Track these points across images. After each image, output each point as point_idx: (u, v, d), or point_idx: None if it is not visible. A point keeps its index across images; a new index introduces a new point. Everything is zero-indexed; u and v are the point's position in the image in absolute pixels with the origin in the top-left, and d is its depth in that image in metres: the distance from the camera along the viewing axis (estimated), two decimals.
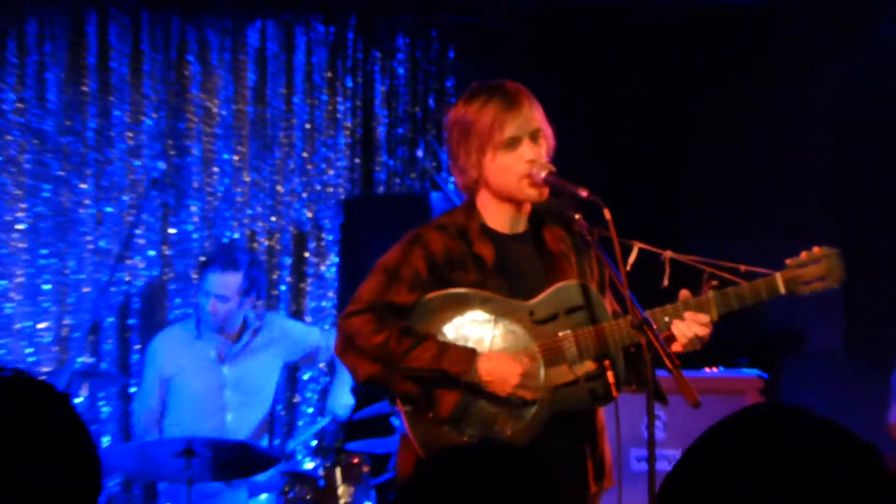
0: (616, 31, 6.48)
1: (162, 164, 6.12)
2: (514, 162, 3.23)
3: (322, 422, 5.45)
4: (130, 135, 6.09)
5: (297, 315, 6.30)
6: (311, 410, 6.29)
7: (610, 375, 3.23)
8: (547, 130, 3.30)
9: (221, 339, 5.30)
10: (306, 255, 6.40)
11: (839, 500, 1.42)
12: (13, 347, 5.87)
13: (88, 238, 6.00)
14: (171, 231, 6.14)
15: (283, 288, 6.31)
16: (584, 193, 3.13)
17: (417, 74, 6.63)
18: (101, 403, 5.93)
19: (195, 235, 6.16)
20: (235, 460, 4.67)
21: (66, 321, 5.97)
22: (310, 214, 6.40)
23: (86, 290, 5.98)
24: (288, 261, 6.35)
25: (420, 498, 1.54)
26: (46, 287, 5.94)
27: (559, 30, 6.54)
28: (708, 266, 3.24)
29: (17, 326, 5.89)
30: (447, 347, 3.16)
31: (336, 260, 6.41)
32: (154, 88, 6.13)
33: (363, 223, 6.29)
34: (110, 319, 6.02)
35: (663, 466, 4.72)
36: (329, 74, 6.45)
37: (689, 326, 3.19)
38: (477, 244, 3.28)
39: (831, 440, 1.48)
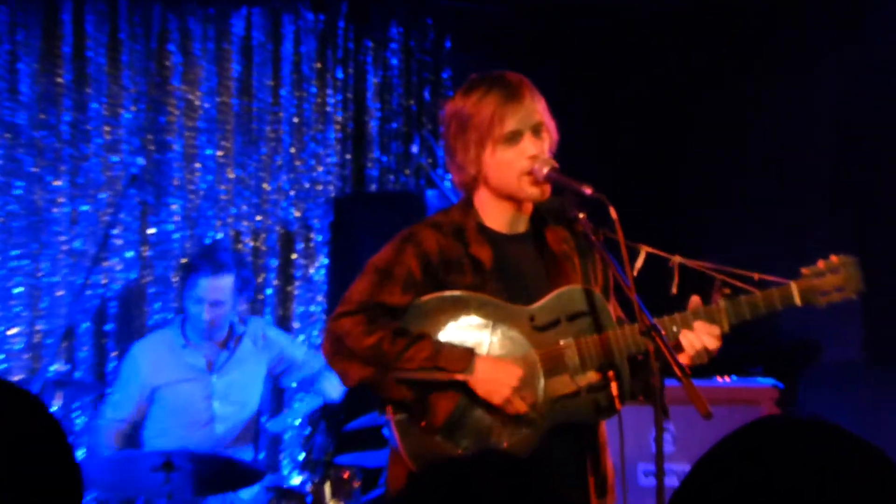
0: (618, 23, 6.52)
1: (141, 160, 6.11)
2: (514, 157, 3.21)
3: (311, 402, 5.45)
4: (108, 129, 6.07)
5: (285, 320, 6.29)
6: (298, 422, 6.28)
7: (614, 387, 3.21)
8: (550, 125, 3.29)
9: (210, 346, 5.29)
10: (294, 256, 6.39)
11: None
12: None
13: (63, 238, 5.98)
14: (151, 231, 6.13)
15: (269, 291, 6.30)
16: (588, 191, 3.12)
17: (412, 65, 6.63)
18: (75, 414, 5.91)
19: (176, 236, 6.15)
20: (218, 474, 4.65)
21: (39, 327, 5.95)
22: (298, 213, 6.40)
23: (59, 293, 5.96)
24: (274, 263, 6.35)
25: None
26: (18, 290, 5.92)
27: (561, 16, 6.56)
28: (719, 273, 3.23)
29: None
30: (444, 347, 3.15)
31: (325, 262, 6.40)
32: (133, 80, 6.12)
33: (354, 223, 6.28)
34: (85, 325, 6.01)
35: (672, 482, 4.72)
36: (318, 65, 6.45)
37: (698, 337, 3.18)
38: (474, 245, 3.27)
39: (843, 450, 1.48)
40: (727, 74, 6.49)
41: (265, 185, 6.34)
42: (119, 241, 6.06)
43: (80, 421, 5.93)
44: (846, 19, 6.01)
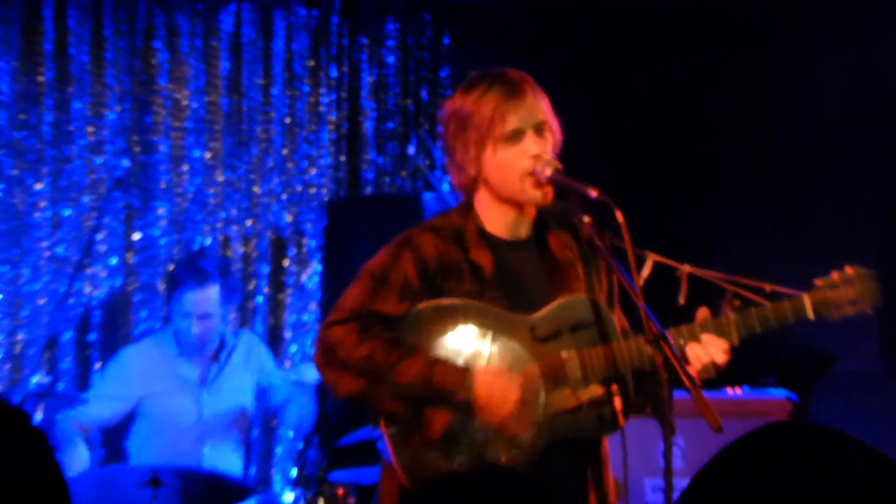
0: (620, 22, 6.53)
1: (126, 162, 6.10)
2: (516, 157, 3.21)
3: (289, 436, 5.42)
4: (91, 130, 6.07)
5: (276, 330, 6.29)
6: (290, 436, 6.27)
7: (617, 401, 3.21)
8: (553, 124, 3.28)
9: (202, 359, 5.28)
10: (286, 262, 6.39)
11: None
12: None
13: (44, 244, 5.97)
14: (136, 236, 6.12)
15: (259, 300, 6.30)
16: (593, 194, 3.11)
17: (409, 63, 6.63)
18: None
19: (162, 241, 6.15)
20: (206, 491, 4.65)
21: (20, 336, 5.94)
22: (290, 218, 6.39)
23: (41, 301, 5.95)
24: (265, 269, 6.34)
25: None
26: None
27: (562, 13, 6.56)
28: (729, 284, 3.23)
29: None
30: (438, 362, 3.14)
31: (319, 268, 6.40)
32: (117, 78, 6.11)
33: (349, 227, 6.27)
34: (68, 334, 5.99)
35: None
36: (311, 63, 6.45)
37: (706, 351, 3.18)
38: (474, 250, 3.26)
39: (849, 456, 1.48)
40: (734, 73, 6.51)
41: (255, 189, 6.34)
42: (103, 247, 6.06)
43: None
44: (846, 19, 6.03)
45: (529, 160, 3.20)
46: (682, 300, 3.24)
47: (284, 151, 6.39)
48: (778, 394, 5.35)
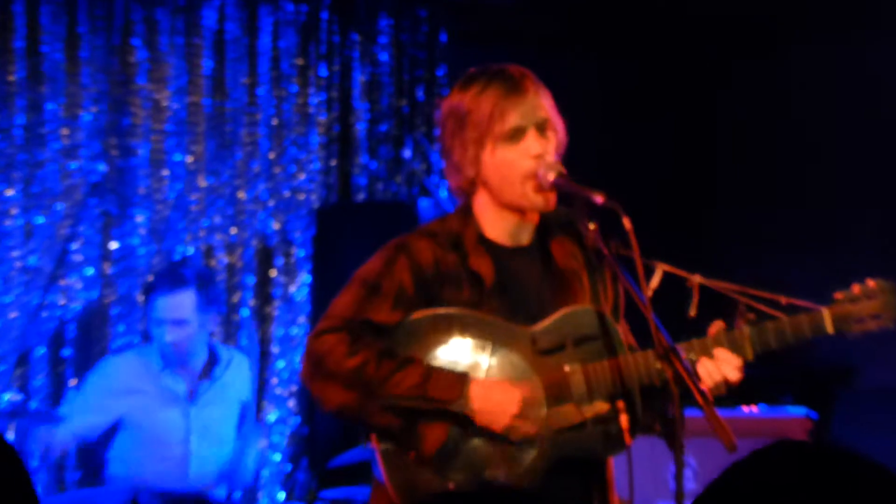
0: (634, 19, 6.53)
1: (102, 167, 6.10)
2: (517, 157, 3.20)
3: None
4: (65, 132, 6.06)
5: (263, 344, 6.28)
6: (278, 457, 6.26)
7: (624, 419, 3.20)
8: (557, 123, 3.27)
9: (189, 373, 5.26)
10: (273, 273, 6.38)
11: None
12: None
13: (16, 254, 5.97)
14: (114, 246, 6.11)
15: (245, 313, 6.29)
16: (600, 200, 3.10)
17: (403, 61, 6.64)
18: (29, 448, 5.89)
19: (141, 251, 6.14)
20: None
21: None
22: (277, 226, 6.39)
23: (13, 315, 5.94)
24: (251, 280, 6.34)
25: None
26: None
27: (567, 6, 6.56)
28: (743, 296, 3.22)
29: None
30: (433, 372, 3.13)
31: (308, 279, 6.40)
32: (93, 78, 6.11)
33: (340, 236, 6.27)
34: (41, 350, 5.99)
35: None
36: (299, 61, 6.45)
37: (718, 367, 3.17)
38: (473, 257, 3.25)
39: (865, 481, 1.47)
40: (747, 68, 6.53)
41: (240, 195, 6.34)
42: (78, 257, 6.05)
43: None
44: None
45: (531, 161, 3.19)
46: (693, 312, 3.23)
47: (271, 155, 6.39)
48: (796, 412, 5.35)
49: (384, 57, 6.59)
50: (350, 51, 6.54)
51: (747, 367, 3.22)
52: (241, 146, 6.34)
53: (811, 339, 3.24)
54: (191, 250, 6.22)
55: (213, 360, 5.31)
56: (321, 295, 6.28)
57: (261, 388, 6.21)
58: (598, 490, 3.27)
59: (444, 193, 6.08)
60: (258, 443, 5.41)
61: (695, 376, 3.12)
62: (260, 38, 6.38)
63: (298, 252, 6.41)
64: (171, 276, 5.20)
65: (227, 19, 6.34)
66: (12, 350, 5.90)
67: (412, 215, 6.09)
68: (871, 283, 3.29)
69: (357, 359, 3.13)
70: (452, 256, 3.24)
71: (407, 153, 6.59)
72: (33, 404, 5.94)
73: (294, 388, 6.33)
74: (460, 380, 3.13)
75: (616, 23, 6.63)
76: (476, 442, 3.15)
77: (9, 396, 5.89)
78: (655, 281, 3.19)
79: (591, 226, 3.20)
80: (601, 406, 3.20)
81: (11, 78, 6.00)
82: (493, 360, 3.18)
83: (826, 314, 3.24)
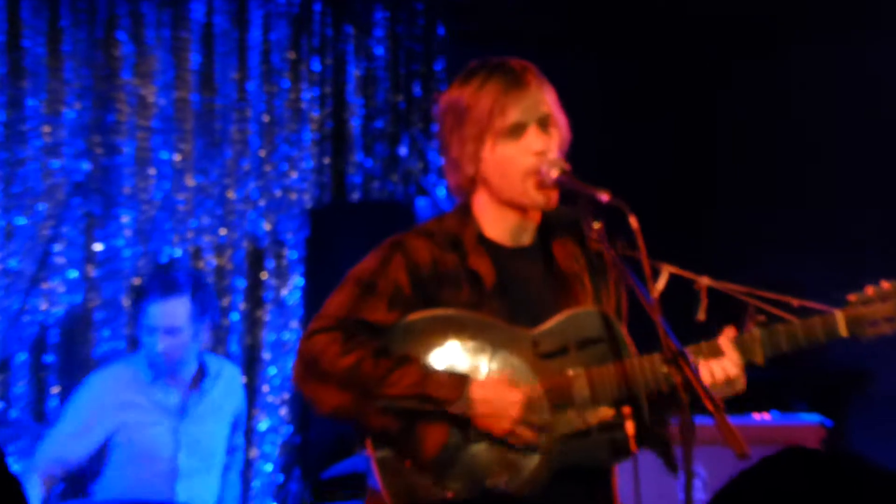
0: (639, 13, 6.55)
1: (86, 166, 6.10)
2: (518, 153, 3.20)
3: None
4: (47, 129, 6.06)
5: (253, 351, 6.28)
6: (270, 467, 6.26)
7: (629, 426, 3.20)
8: (560, 119, 3.28)
9: (179, 384, 5.24)
10: (264, 276, 6.38)
11: None
12: None
13: None
14: (98, 247, 6.11)
15: (235, 317, 6.29)
16: (605, 198, 3.10)
17: (400, 55, 6.64)
18: (10, 459, 5.88)
19: (127, 253, 6.13)
20: None
21: None
22: (268, 227, 6.39)
23: None
24: (241, 284, 6.34)
25: None
26: None
27: (568, 7, 6.58)
28: (752, 298, 3.23)
29: None
30: (432, 373, 3.14)
31: (300, 282, 6.40)
32: (76, 73, 6.11)
33: (334, 237, 6.28)
34: (22, 356, 5.98)
35: None
36: (291, 55, 6.46)
37: (720, 365, 3.18)
38: (472, 257, 3.25)
39: (877, 490, 1.47)
40: (747, 68, 6.59)
41: (230, 194, 6.33)
42: (61, 260, 6.05)
43: (16, 468, 5.90)
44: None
45: (532, 157, 3.19)
46: (701, 316, 3.23)
47: (262, 153, 6.39)
48: (810, 419, 5.35)
49: (380, 51, 6.60)
50: (344, 44, 6.55)
51: (759, 372, 3.23)
52: (231, 144, 6.34)
53: (824, 342, 3.25)
54: (178, 252, 6.21)
55: (202, 371, 5.28)
56: (314, 298, 6.27)
57: (252, 395, 6.21)
58: (603, 500, 3.27)
59: (442, 192, 6.09)
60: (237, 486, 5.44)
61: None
62: (250, 32, 6.38)
63: (290, 254, 6.41)
64: (165, 282, 5.17)
65: (215, 12, 6.34)
66: None
67: (409, 215, 6.09)
68: (885, 284, 3.29)
69: (351, 357, 3.13)
70: (451, 256, 3.25)
71: (403, 151, 6.59)
72: (14, 413, 5.94)
73: (286, 395, 6.33)
74: (461, 380, 3.13)
75: (616, 23, 6.65)
76: (476, 448, 3.15)
77: None
78: (661, 283, 3.19)
79: (596, 225, 3.20)
80: (606, 412, 3.21)
81: None
82: (493, 364, 3.18)
83: (839, 317, 3.24)
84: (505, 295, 3.24)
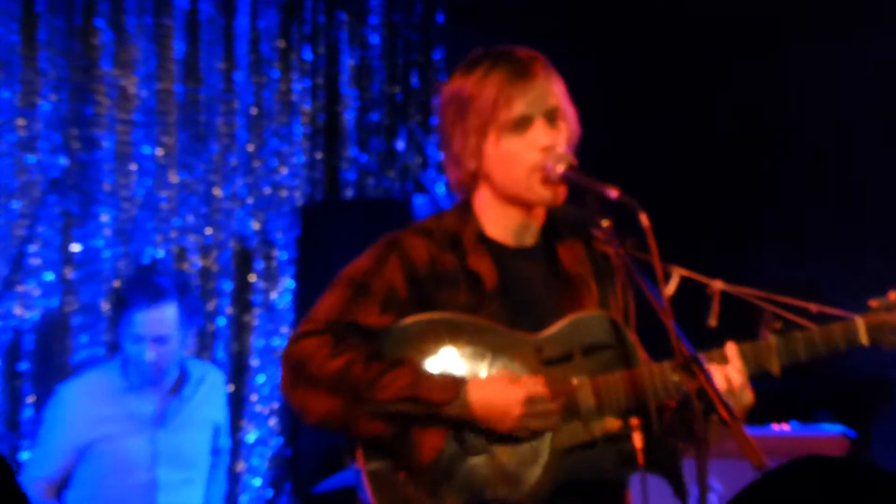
0: (633, 12, 6.60)
1: (63, 161, 6.09)
2: (523, 148, 3.19)
3: None
4: (22, 123, 6.05)
5: (241, 357, 6.28)
6: (258, 482, 6.26)
7: (637, 438, 3.19)
8: (568, 112, 3.27)
9: (158, 392, 5.24)
10: (252, 278, 6.39)
11: None
12: None
13: None
14: (76, 248, 6.10)
15: (221, 322, 6.29)
16: (614, 194, 3.10)
17: (396, 44, 6.65)
18: None
19: (106, 254, 6.13)
20: None
21: None
22: (257, 226, 6.40)
23: None
24: (228, 286, 6.34)
25: None
26: None
27: (568, 7, 6.60)
28: (768, 303, 3.22)
29: None
30: (427, 374, 3.12)
31: (291, 285, 6.40)
32: (52, 62, 6.10)
33: (326, 236, 6.28)
34: None
35: None
36: (281, 44, 6.46)
37: (723, 373, 3.17)
38: (472, 257, 3.24)
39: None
40: (747, 68, 6.68)
41: (216, 191, 6.34)
42: (36, 261, 6.04)
43: None
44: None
45: (538, 152, 3.18)
46: (713, 321, 3.23)
47: (250, 148, 6.39)
48: (832, 430, 5.35)
49: (375, 39, 6.61)
50: (337, 32, 6.55)
51: (776, 381, 3.23)
52: (217, 138, 6.35)
53: (844, 350, 3.24)
54: (161, 253, 6.21)
55: (183, 376, 5.28)
56: (305, 302, 6.26)
57: (239, 405, 6.21)
58: None
59: (441, 189, 6.09)
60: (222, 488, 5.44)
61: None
62: (237, 19, 6.39)
63: (280, 255, 6.42)
64: (150, 288, 5.16)
65: None
66: None
67: (406, 213, 6.09)
68: None
69: (341, 360, 3.12)
70: (450, 256, 3.24)
71: (400, 145, 6.60)
72: None
73: (275, 405, 6.34)
74: (456, 381, 3.11)
75: (616, 23, 6.69)
76: (475, 460, 3.13)
77: None
78: (672, 287, 3.18)
79: (605, 222, 3.20)
80: (612, 423, 3.20)
81: None
82: (493, 370, 3.16)
83: (860, 323, 3.25)
84: (506, 297, 3.23)
